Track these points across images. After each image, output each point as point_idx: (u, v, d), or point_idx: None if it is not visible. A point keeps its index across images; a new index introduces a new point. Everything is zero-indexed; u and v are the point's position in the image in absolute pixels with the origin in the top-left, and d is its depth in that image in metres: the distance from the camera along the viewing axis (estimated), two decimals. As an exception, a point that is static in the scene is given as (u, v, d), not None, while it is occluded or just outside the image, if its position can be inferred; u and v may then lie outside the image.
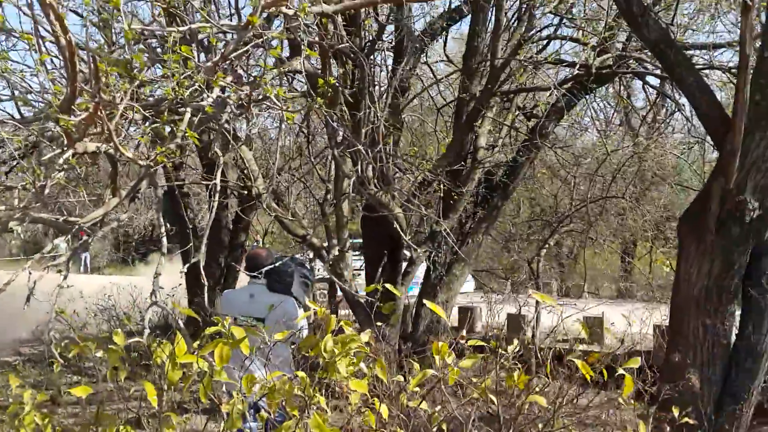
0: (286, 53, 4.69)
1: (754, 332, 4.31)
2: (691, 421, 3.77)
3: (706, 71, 6.48)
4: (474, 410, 3.22)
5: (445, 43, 7.59)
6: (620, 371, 2.19)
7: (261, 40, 3.67)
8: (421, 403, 3.06)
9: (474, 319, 9.88)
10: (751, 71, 4.11)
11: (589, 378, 2.14)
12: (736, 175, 4.01)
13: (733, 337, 4.45)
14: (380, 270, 6.58)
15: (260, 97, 3.69)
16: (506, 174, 7.50)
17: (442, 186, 6.79)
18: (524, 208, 13.11)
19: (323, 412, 2.44)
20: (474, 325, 9.81)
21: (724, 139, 4.01)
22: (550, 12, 6.63)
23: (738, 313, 4.49)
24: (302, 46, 3.81)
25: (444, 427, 3.03)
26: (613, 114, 8.54)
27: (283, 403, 2.35)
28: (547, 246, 8.80)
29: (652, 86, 7.99)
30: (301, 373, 2.55)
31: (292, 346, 3.82)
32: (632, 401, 4.56)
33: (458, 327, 9.97)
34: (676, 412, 3.78)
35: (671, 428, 3.90)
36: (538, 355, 3.67)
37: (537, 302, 8.31)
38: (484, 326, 8.82)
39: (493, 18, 6.07)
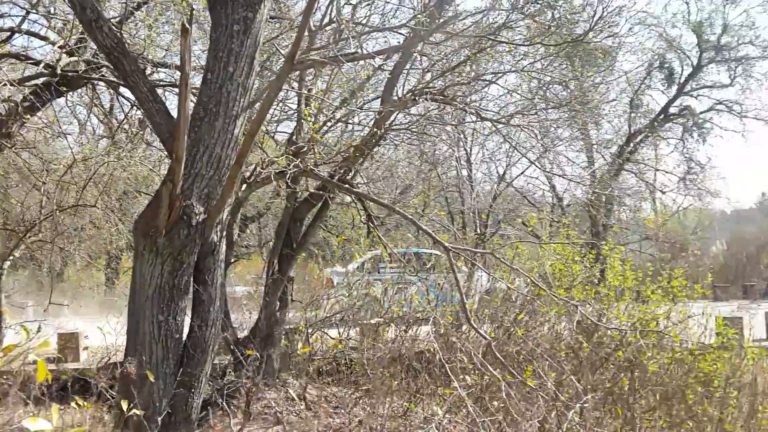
0: None
1: (201, 326, 4.77)
2: (138, 413, 3.92)
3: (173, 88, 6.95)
4: None
5: None
6: (34, 357, 2.12)
7: None
8: None
9: None
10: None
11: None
12: (182, 182, 4.39)
13: (186, 332, 4.84)
14: None
15: None
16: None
17: None
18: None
19: None
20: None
21: (172, 148, 4.35)
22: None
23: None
24: None
25: None
26: (87, 119, 8.37)
27: None
28: (12, 258, 7.94)
29: (125, 97, 8.12)
30: None
31: None
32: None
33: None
34: (125, 405, 3.90)
35: (123, 422, 3.99)
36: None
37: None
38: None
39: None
